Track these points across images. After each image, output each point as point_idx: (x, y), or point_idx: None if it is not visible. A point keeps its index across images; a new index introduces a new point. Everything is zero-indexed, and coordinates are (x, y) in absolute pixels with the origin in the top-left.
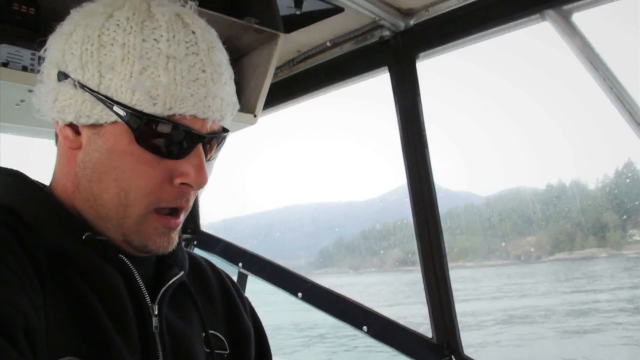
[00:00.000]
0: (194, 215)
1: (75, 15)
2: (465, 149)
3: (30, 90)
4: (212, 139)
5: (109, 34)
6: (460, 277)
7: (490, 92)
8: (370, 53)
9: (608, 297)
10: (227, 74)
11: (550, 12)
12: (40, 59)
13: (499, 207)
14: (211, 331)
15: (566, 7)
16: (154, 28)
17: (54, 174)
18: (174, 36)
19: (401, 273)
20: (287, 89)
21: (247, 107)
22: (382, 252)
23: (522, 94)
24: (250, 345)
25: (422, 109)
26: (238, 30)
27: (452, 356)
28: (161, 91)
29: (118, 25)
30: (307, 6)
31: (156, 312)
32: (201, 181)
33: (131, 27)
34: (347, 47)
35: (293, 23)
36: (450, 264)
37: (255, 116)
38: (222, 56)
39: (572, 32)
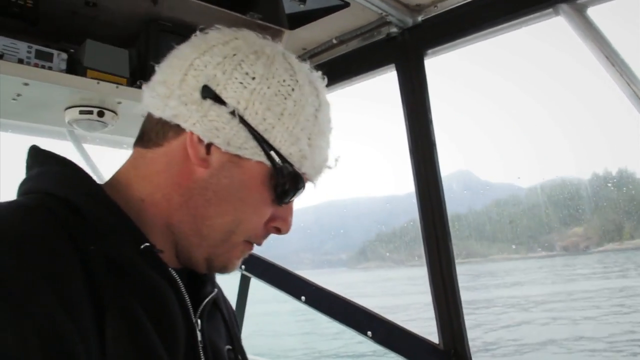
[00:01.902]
0: None
1: (241, 44)
2: (500, 140)
3: (26, 84)
4: None
5: (285, 86)
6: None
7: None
8: (377, 50)
9: None
10: None
11: (564, 7)
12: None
13: (542, 198)
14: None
15: (581, 0)
16: (318, 98)
17: (140, 176)
18: (327, 112)
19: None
20: None
21: None
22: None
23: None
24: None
25: (430, 107)
26: (241, 26)
27: None
28: (309, 154)
29: (297, 82)
30: (312, 1)
31: (200, 327)
32: (289, 228)
33: (309, 91)
34: (354, 45)
35: (298, 19)
36: (496, 256)
37: None
38: None
39: (587, 27)
